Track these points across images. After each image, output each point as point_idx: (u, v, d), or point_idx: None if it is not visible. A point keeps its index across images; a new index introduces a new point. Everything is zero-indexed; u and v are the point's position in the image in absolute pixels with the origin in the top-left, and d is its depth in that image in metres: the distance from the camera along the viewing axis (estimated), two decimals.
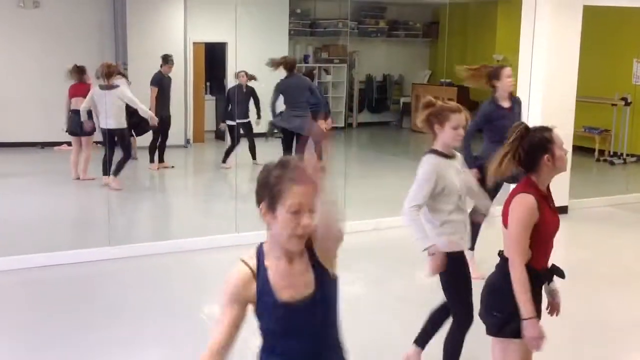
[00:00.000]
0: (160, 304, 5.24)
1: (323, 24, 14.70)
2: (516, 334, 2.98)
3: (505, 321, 3.00)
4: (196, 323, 4.91)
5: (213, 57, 12.36)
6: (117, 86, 8.58)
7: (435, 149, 3.71)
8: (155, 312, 5.06)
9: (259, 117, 10.15)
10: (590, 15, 7.97)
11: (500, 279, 3.05)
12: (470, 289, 3.67)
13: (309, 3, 14.66)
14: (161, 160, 10.04)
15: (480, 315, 3.19)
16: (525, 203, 2.96)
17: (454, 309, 3.72)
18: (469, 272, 3.75)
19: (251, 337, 2.24)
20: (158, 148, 10.00)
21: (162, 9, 11.78)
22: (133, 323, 4.88)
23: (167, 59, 10.08)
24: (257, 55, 12.36)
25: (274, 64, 8.90)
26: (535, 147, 3.00)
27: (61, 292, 5.54)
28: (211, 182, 10.29)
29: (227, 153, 10.10)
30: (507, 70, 5.82)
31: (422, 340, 3.97)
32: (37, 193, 8.70)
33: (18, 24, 10.88)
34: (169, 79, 10.23)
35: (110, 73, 8.44)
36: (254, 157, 10.17)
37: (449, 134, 3.65)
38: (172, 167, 10.18)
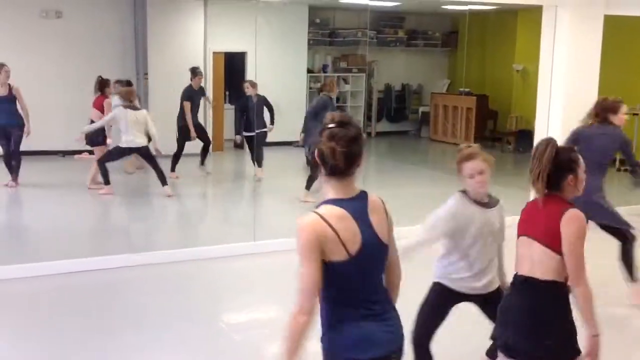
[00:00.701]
0: (179, 311, 5.26)
1: (342, 33, 14.74)
2: (576, 351, 2.94)
3: (563, 345, 2.92)
4: (214, 330, 4.93)
5: (232, 66, 12.44)
6: (140, 108, 8.90)
7: (466, 190, 3.56)
8: (174, 319, 5.09)
9: (272, 123, 10.05)
10: (611, 24, 7.91)
11: (537, 304, 2.95)
12: (434, 319, 3.69)
13: (328, 13, 14.72)
14: (202, 163, 10.28)
15: (518, 344, 3.00)
16: (581, 217, 2.89)
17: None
18: (444, 308, 3.72)
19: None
20: (201, 152, 10.21)
21: (182, 19, 11.89)
22: (152, 329, 4.91)
23: (195, 72, 10.07)
24: (276, 64, 12.46)
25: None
26: (562, 167, 2.94)
27: (81, 298, 5.58)
28: (230, 190, 10.33)
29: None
30: (624, 108, 6.00)
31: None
32: (58, 201, 8.79)
33: (41, 34, 11.03)
34: (201, 89, 10.28)
35: (132, 98, 8.83)
36: (259, 164, 9.95)
37: (467, 183, 3.51)
38: (209, 172, 10.29)
